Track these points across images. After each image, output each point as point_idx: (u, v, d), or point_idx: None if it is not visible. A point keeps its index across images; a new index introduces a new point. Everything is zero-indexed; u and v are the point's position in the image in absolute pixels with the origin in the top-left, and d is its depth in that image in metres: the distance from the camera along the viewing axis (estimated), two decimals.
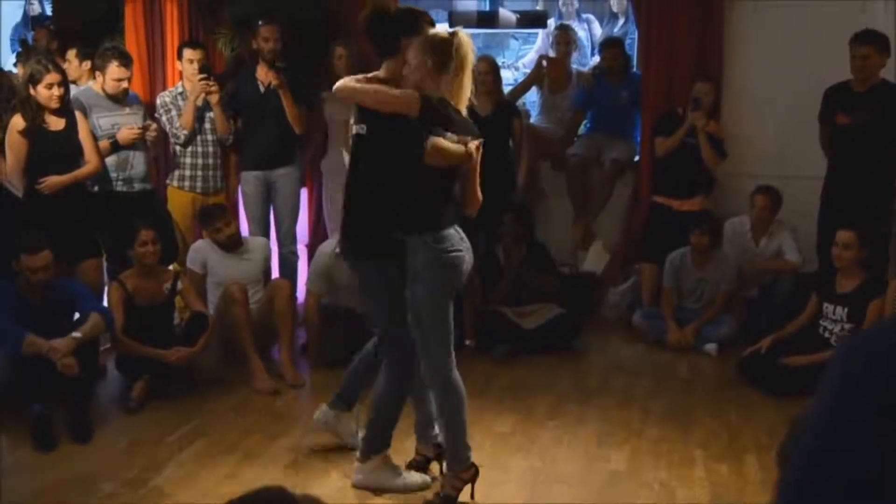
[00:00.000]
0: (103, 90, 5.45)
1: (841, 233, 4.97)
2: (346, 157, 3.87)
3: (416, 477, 3.81)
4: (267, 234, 6.05)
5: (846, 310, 4.93)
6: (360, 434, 3.92)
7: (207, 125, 5.82)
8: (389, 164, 3.41)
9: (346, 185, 3.61)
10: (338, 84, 3.50)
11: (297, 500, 1.40)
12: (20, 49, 7.62)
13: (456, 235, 3.45)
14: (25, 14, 9.14)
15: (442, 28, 3.71)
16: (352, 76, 3.57)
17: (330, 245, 5.53)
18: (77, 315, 4.67)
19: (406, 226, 3.45)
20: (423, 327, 3.46)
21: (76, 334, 4.44)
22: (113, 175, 5.46)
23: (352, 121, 3.54)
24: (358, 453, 3.78)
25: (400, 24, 3.49)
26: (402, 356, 3.61)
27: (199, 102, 5.71)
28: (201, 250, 5.44)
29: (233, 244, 5.40)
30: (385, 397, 3.69)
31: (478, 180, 3.50)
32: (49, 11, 8.74)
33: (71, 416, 4.33)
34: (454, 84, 3.38)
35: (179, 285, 5.08)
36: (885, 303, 4.83)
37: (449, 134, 3.35)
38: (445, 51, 3.34)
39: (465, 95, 3.42)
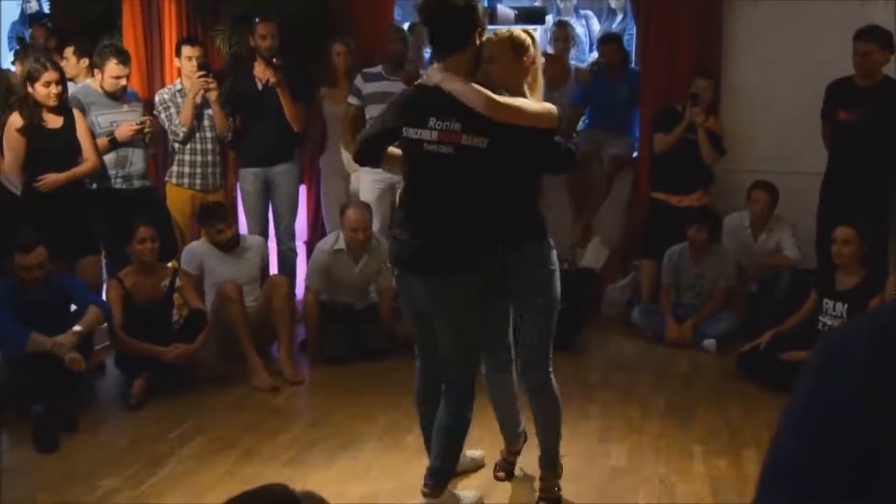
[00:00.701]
0: (102, 88, 5.45)
1: (840, 229, 4.97)
2: (397, 161, 3.42)
3: (470, 496, 3.65)
4: (266, 232, 6.05)
5: (846, 306, 4.93)
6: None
7: (206, 122, 5.82)
8: (520, 176, 3.28)
9: (436, 199, 3.20)
10: (488, 102, 3.04)
11: (299, 497, 1.40)
12: (18, 47, 7.61)
13: None
14: (23, 12, 9.12)
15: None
16: (471, 85, 3.09)
17: (328, 242, 5.53)
18: (74, 308, 4.67)
19: (538, 234, 3.40)
20: (548, 338, 3.48)
21: (77, 328, 4.44)
22: (112, 172, 5.46)
23: (430, 134, 3.14)
24: (425, 489, 3.47)
25: (474, 14, 3.14)
26: (470, 379, 3.39)
27: (199, 100, 5.71)
28: (197, 253, 5.42)
29: (231, 246, 5.40)
30: (457, 426, 3.43)
31: None
32: (47, 9, 8.72)
33: (60, 407, 4.33)
34: (534, 84, 3.30)
35: (178, 282, 5.08)
36: (884, 299, 4.82)
37: None
38: (530, 52, 3.25)
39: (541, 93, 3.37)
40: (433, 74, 3.18)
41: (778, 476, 0.87)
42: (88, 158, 5.12)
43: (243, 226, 5.99)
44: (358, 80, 5.84)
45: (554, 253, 3.47)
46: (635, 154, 6.62)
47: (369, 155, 3.40)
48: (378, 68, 5.84)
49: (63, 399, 4.36)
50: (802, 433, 0.85)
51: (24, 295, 4.52)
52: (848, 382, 0.82)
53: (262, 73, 5.84)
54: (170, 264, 5.35)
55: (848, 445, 0.80)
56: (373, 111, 5.72)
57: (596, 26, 8.03)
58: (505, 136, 3.11)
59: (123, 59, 5.45)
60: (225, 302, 5.07)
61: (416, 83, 3.37)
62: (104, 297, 5.03)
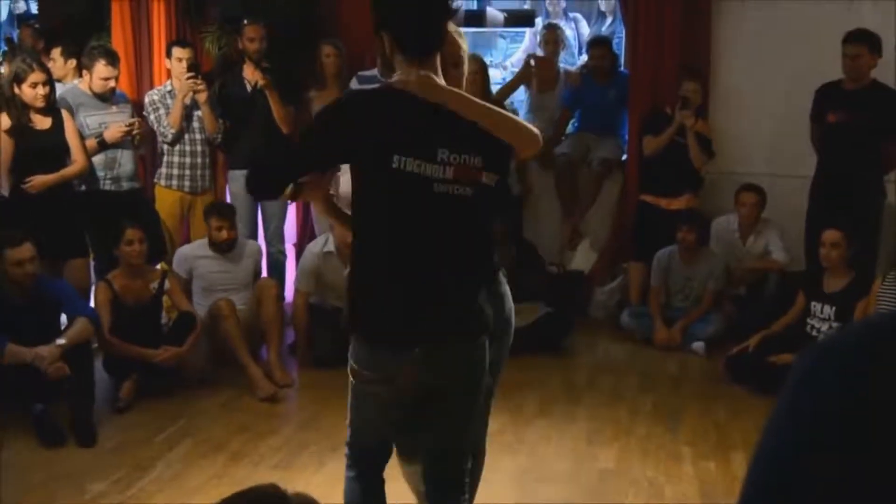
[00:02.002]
0: (90, 89, 5.44)
1: (828, 232, 5.00)
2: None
3: None
4: (255, 234, 6.04)
5: (834, 309, 4.95)
6: None
7: (195, 124, 5.81)
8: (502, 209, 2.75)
9: (444, 252, 2.43)
10: (533, 136, 2.46)
11: (290, 498, 1.40)
12: (6, 48, 7.58)
13: None
14: (11, 13, 9.09)
15: None
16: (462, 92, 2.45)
17: (318, 244, 5.53)
18: (63, 317, 4.64)
19: (489, 274, 2.75)
20: (494, 388, 2.87)
21: (60, 341, 4.35)
22: (100, 174, 5.44)
23: (441, 170, 2.34)
24: None
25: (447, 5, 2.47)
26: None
27: (188, 101, 5.70)
28: (187, 259, 5.38)
29: (226, 248, 5.37)
30: None
31: None
32: (35, 10, 8.70)
33: (75, 419, 4.29)
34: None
35: (167, 285, 5.06)
36: (870, 301, 4.85)
37: None
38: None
39: None
40: (434, 85, 2.37)
41: (763, 483, 0.87)
42: (77, 160, 5.09)
43: None
44: (353, 83, 5.84)
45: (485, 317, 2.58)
46: (624, 157, 6.63)
47: (277, 182, 2.51)
48: (373, 71, 5.82)
49: (69, 404, 4.31)
50: (788, 440, 0.85)
51: (13, 300, 4.48)
52: (834, 393, 0.82)
53: (251, 75, 5.84)
54: (159, 266, 5.33)
55: (834, 454, 0.80)
56: None
57: (585, 29, 8.04)
58: (507, 163, 2.51)
59: (112, 60, 5.44)
60: (218, 318, 5.04)
61: (391, 87, 2.41)
62: (92, 300, 5.00)
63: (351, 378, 2.54)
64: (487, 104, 2.46)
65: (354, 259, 2.48)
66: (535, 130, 2.50)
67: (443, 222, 2.41)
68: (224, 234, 5.33)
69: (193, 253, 5.41)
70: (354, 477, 2.69)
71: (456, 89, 2.44)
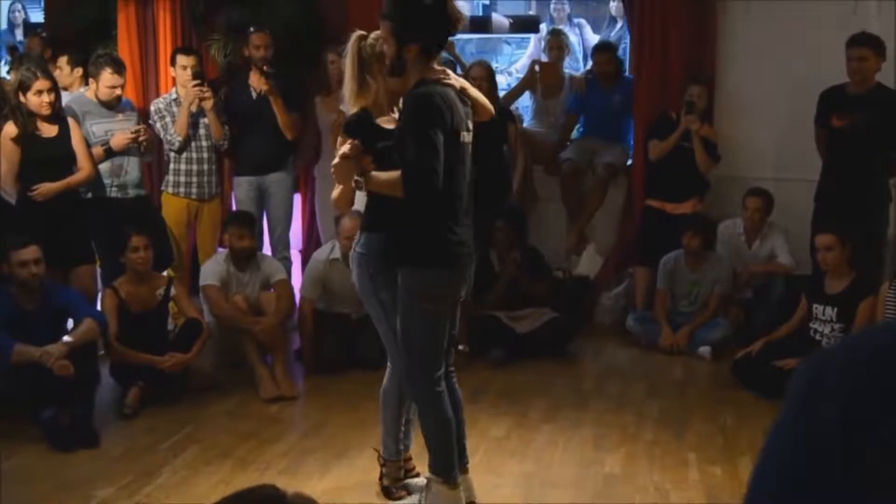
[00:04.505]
0: (96, 97, 5.46)
1: (820, 236, 5.00)
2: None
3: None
4: (260, 240, 6.05)
5: (835, 310, 4.94)
6: None
7: (202, 131, 5.82)
8: None
9: (466, 196, 3.34)
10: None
11: (289, 498, 1.40)
12: (10, 57, 7.60)
13: None
14: (11, 21, 9.09)
15: None
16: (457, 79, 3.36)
17: (324, 252, 5.53)
18: (71, 322, 4.66)
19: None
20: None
21: (67, 339, 4.40)
22: (107, 181, 5.46)
23: (467, 135, 3.30)
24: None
25: None
26: None
27: (194, 108, 5.72)
28: (214, 273, 5.34)
29: (244, 258, 5.36)
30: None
31: None
32: (32, 19, 8.74)
33: (76, 423, 4.30)
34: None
35: (173, 291, 5.07)
36: (877, 303, 4.83)
37: None
38: None
39: None
40: (452, 76, 3.31)
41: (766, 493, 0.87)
42: (83, 168, 5.11)
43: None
44: None
45: None
46: (629, 162, 6.63)
47: (439, 177, 3.13)
48: None
49: (76, 412, 4.32)
50: (787, 455, 0.85)
51: (20, 307, 4.49)
52: (828, 412, 0.82)
53: (256, 82, 5.86)
54: (165, 273, 5.34)
55: (831, 469, 0.80)
56: None
57: (589, 35, 8.03)
58: None
59: (118, 68, 5.46)
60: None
61: (441, 83, 3.22)
62: (99, 307, 5.01)
63: (427, 306, 3.28)
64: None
65: (432, 207, 3.18)
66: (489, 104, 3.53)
67: (468, 172, 3.32)
68: (245, 241, 5.31)
69: (221, 266, 5.36)
70: (442, 390, 3.42)
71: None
